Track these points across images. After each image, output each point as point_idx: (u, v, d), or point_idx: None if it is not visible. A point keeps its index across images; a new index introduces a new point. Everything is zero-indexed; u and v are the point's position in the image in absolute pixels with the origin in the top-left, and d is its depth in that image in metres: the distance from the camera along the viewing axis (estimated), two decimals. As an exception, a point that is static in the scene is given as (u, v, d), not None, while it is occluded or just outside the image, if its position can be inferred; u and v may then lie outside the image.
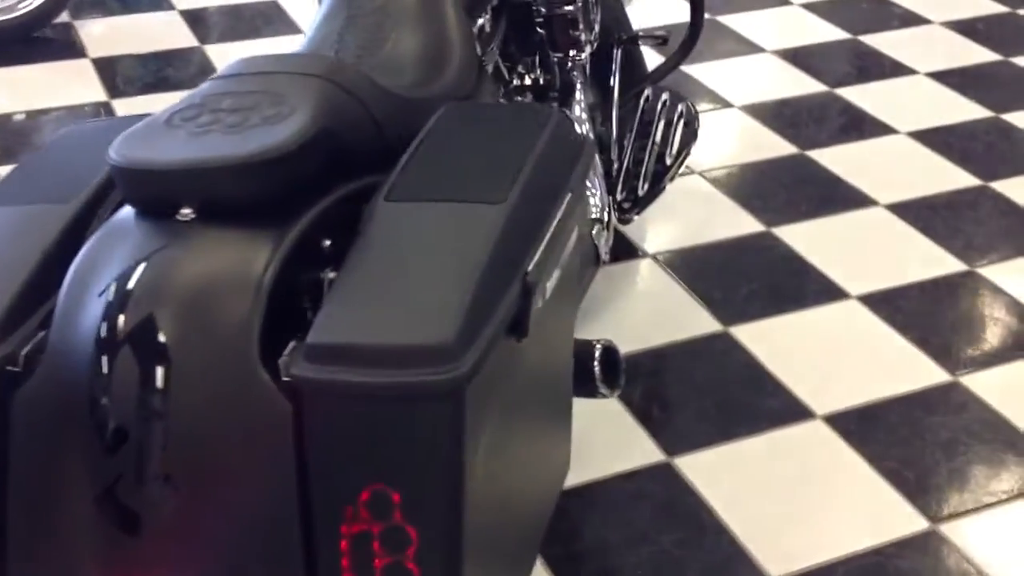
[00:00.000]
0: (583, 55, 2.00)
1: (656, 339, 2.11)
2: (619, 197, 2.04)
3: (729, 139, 2.77)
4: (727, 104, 2.91)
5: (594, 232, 1.90)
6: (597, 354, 1.57)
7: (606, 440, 1.89)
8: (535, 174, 1.30)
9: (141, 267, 1.13)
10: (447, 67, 1.65)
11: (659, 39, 2.20)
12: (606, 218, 1.93)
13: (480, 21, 1.81)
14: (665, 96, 2.20)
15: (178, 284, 1.13)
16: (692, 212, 2.48)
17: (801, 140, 2.76)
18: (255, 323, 1.15)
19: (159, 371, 1.09)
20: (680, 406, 1.96)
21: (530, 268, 1.23)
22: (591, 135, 1.97)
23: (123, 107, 2.84)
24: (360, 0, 1.71)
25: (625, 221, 2.03)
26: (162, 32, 3.22)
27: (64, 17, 3.23)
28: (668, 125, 2.16)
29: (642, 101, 2.19)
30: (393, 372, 1.10)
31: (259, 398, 1.13)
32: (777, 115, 2.87)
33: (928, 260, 2.34)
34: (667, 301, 2.20)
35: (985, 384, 2.02)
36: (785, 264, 2.32)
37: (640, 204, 2.07)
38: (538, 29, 1.94)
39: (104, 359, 1.08)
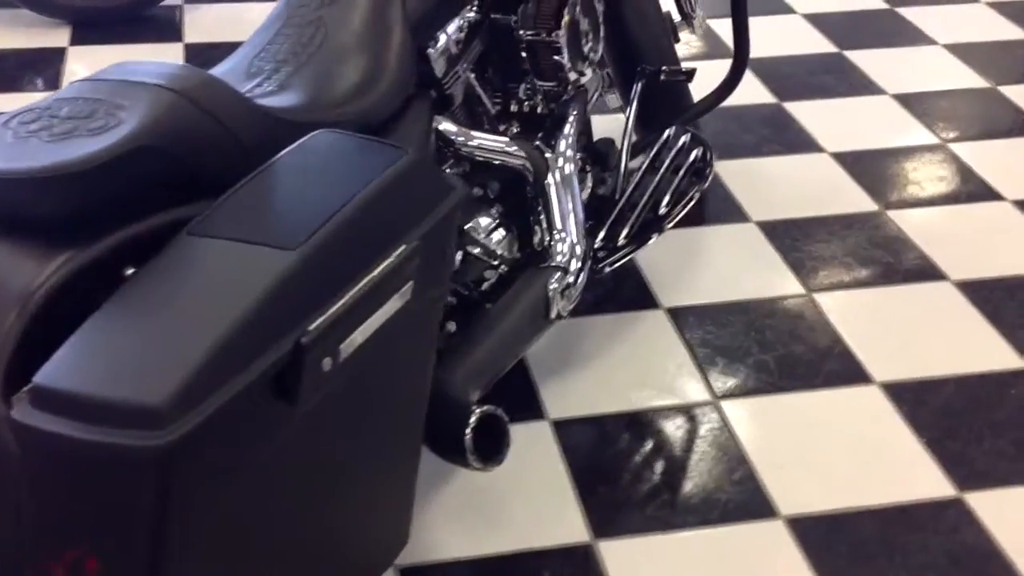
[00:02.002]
0: (576, 86, 1.83)
1: (633, 403, 1.91)
2: (597, 244, 1.85)
3: (801, 187, 2.51)
4: (818, 148, 2.66)
5: (552, 280, 1.72)
6: (472, 422, 1.42)
7: (532, 509, 1.72)
8: (353, 220, 1.17)
9: None
10: (372, 88, 1.53)
11: (684, 74, 2.00)
12: (573, 267, 1.75)
13: (443, 39, 1.67)
14: (685, 138, 1.98)
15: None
16: (729, 263, 2.26)
17: (886, 197, 2.48)
18: (6, 347, 1.09)
19: None
20: (631, 482, 1.77)
21: (311, 327, 1.10)
22: (569, 174, 1.79)
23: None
24: (303, 9, 1.62)
25: (596, 272, 1.83)
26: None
27: (176, -1, 3.28)
28: (675, 172, 1.95)
29: (660, 141, 2.00)
30: (99, 430, 1.00)
31: (-12, 433, 1.07)
32: (868, 164, 2.59)
33: (982, 350, 2.05)
34: (662, 361, 2.00)
35: (991, 505, 1.73)
36: (811, 335, 2.07)
37: (616, 255, 1.86)
38: (523, 54, 1.78)
39: None
